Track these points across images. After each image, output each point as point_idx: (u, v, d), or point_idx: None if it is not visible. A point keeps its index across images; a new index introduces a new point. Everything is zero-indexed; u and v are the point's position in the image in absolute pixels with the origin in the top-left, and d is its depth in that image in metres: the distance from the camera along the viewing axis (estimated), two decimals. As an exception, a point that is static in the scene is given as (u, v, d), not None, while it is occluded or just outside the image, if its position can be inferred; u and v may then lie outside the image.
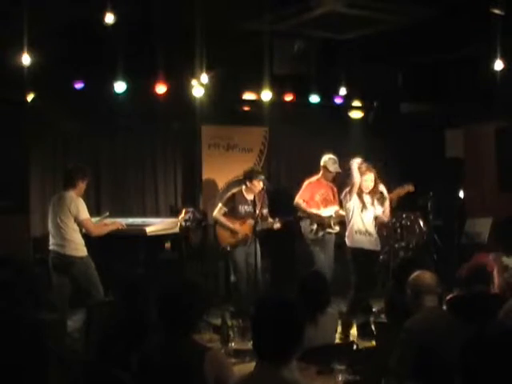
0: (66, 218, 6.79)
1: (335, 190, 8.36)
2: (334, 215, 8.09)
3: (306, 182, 8.30)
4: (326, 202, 8.20)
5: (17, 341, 4.00)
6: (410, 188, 7.97)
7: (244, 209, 7.84)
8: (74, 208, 6.78)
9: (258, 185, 7.76)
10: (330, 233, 8.13)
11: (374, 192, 7.29)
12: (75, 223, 6.81)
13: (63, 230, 6.79)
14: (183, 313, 3.45)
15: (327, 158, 8.22)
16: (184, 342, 3.42)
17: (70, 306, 6.87)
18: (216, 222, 7.95)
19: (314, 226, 8.12)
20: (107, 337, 4.27)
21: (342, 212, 7.94)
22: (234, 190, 8.00)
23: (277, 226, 7.92)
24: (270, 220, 7.92)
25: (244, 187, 7.87)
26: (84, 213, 6.84)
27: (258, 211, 7.66)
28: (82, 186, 6.92)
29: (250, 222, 7.75)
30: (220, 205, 7.94)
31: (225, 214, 7.86)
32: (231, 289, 8.15)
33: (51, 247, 6.90)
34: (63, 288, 6.86)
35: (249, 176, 7.83)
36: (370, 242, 7.33)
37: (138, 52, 7.66)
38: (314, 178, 8.31)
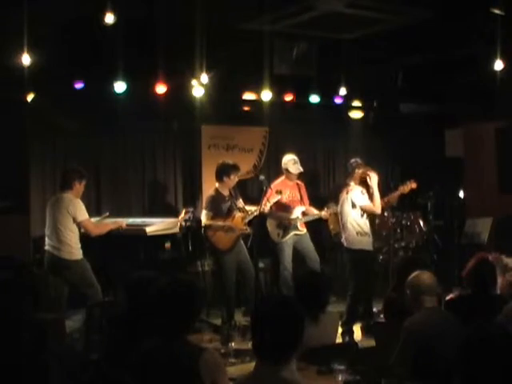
0: (64, 219, 6.77)
1: (303, 186, 8.27)
2: (300, 216, 8.03)
3: (272, 186, 7.94)
4: (292, 204, 8.10)
5: (17, 341, 3.99)
6: (412, 185, 7.88)
7: (226, 206, 7.69)
8: (73, 209, 6.77)
9: (234, 179, 7.68)
10: (297, 234, 8.05)
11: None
12: (74, 224, 6.80)
13: (60, 232, 6.77)
14: (179, 313, 3.42)
15: (287, 160, 8.12)
16: (180, 343, 3.40)
17: (70, 306, 6.88)
18: (207, 228, 7.64)
19: (281, 230, 8.04)
20: (107, 337, 4.27)
21: (314, 210, 8.02)
22: (211, 192, 7.79)
23: (266, 208, 7.74)
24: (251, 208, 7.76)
25: (218, 184, 7.69)
26: (83, 213, 6.83)
27: (238, 203, 7.66)
28: (78, 187, 6.91)
29: (239, 214, 7.67)
30: (205, 211, 7.68)
31: (212, 218, 7.64)
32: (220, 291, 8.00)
33: (47, 247, 6.90)
34: (59, 288, 6.86)
35: (223, 172, 7.66)
36: (369, 243, 7.31)
37: (138, 52, 7.64)
38: (278, 181, 8.19)
